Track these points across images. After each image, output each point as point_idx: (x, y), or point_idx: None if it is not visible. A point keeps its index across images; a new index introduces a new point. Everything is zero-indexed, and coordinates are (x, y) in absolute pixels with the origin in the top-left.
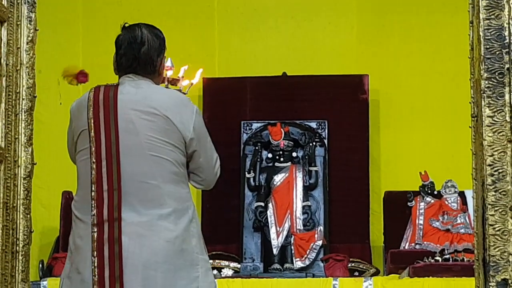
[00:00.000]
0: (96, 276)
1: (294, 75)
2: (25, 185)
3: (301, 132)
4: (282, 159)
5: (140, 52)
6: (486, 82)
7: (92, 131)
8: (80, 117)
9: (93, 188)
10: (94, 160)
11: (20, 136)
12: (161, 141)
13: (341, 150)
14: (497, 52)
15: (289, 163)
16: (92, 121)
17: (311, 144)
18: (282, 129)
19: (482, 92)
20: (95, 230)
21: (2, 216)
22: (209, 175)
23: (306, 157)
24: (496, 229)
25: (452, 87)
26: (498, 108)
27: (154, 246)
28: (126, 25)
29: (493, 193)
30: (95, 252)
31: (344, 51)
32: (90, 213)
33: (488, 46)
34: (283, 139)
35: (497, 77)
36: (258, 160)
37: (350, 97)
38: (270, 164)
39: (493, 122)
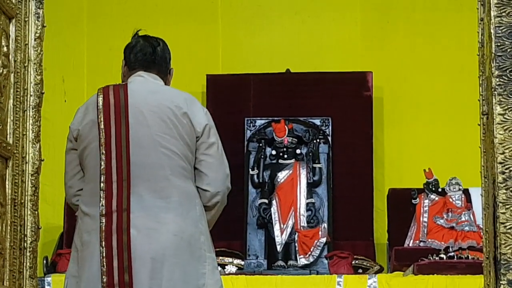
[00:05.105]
0: (105, 266)
1: (298, 72)
2: (33, 181)
3: (305, 129)
4: (286, 156)
5: (156, 48)
6: (497, 79)
7: (102, 123)
8: (87, 111)
9: (102, 179)
10: (104, 151)
11: (28, 133)
12: (172, 135)
13: (345, 147)
14: (508, 50)
15: (293, 160)
16: (102, 113)
17: (315, 141)
18: (286, 126)
19: (493, 89)
20: (103, 221)
21: (10, 213)
22: (219, 175)
23: (310, 154)
24: (508, 227)
25: (456, 84)
26: (509, 106)
27: (162, 240)
28: (139, 33)
29: (504, 191)
30: (103, 243)
31: (348, 48)
32: (98, 205)
33: (499, 44)
34: (287, 136)
35: (508, 75)
36: (262, 157)
37: (354, 94)
38: (274, 161)
39: (504, 120)
